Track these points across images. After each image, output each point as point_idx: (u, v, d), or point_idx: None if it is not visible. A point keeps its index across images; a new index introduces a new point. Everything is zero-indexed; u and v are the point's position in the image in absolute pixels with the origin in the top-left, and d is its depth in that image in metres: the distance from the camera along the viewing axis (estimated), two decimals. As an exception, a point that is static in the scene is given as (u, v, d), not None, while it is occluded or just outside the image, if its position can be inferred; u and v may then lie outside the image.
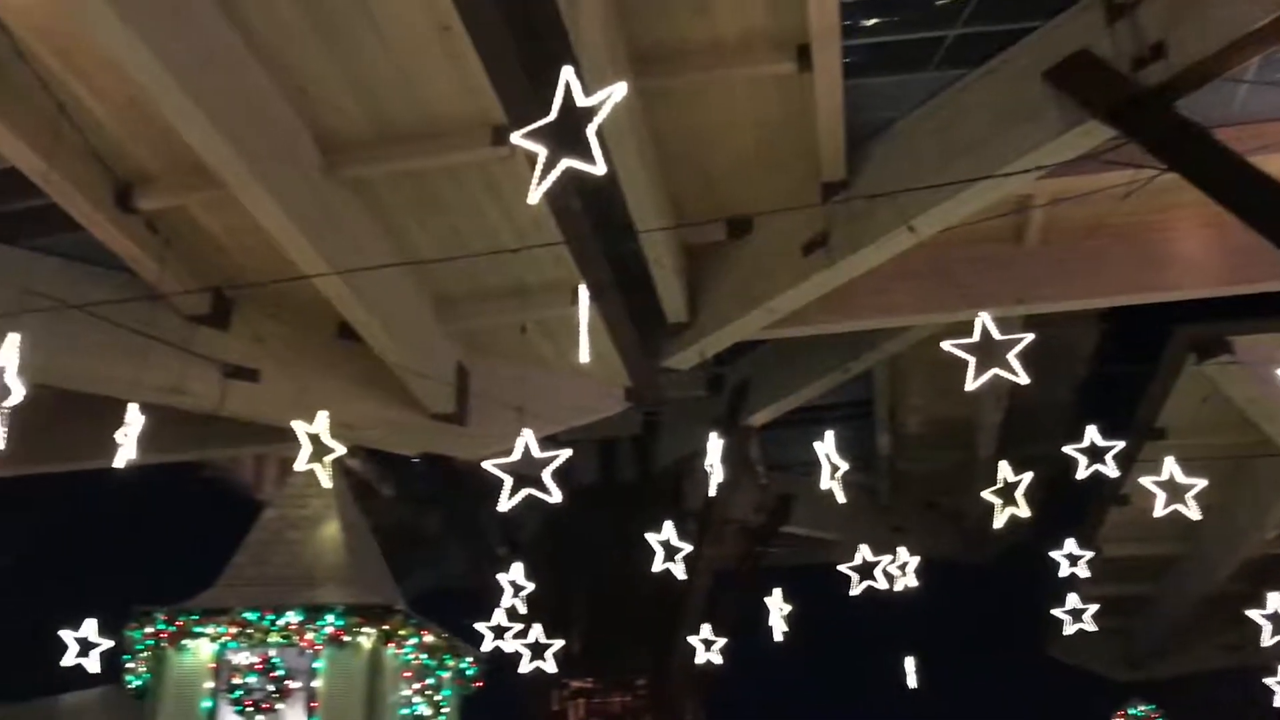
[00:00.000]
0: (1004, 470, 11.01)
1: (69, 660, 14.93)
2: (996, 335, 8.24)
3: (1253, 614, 12.82)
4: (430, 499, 21.44)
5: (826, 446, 11.03)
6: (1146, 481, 10.19)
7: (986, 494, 11.06)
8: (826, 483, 11.03)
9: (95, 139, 11.05)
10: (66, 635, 14.86)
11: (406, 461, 19.09)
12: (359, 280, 11.12)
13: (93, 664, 14.93)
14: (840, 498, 11.31)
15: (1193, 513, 10.04)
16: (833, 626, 19.47)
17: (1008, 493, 10.91)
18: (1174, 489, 10.21)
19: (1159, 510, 10.17)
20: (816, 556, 22.26)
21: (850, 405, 21.13)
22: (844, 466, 11.17)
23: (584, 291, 8.28)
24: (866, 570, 12.81)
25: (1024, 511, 10.79)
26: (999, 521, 11.09)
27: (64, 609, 13.37)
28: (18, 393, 8.33)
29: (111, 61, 9.21)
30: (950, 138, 12.15)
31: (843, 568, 12.54)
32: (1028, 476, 10.85)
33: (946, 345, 8.28)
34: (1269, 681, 14.32)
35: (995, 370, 8.29)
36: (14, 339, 8.26)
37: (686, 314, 14.97)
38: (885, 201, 11.02)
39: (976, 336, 8.26)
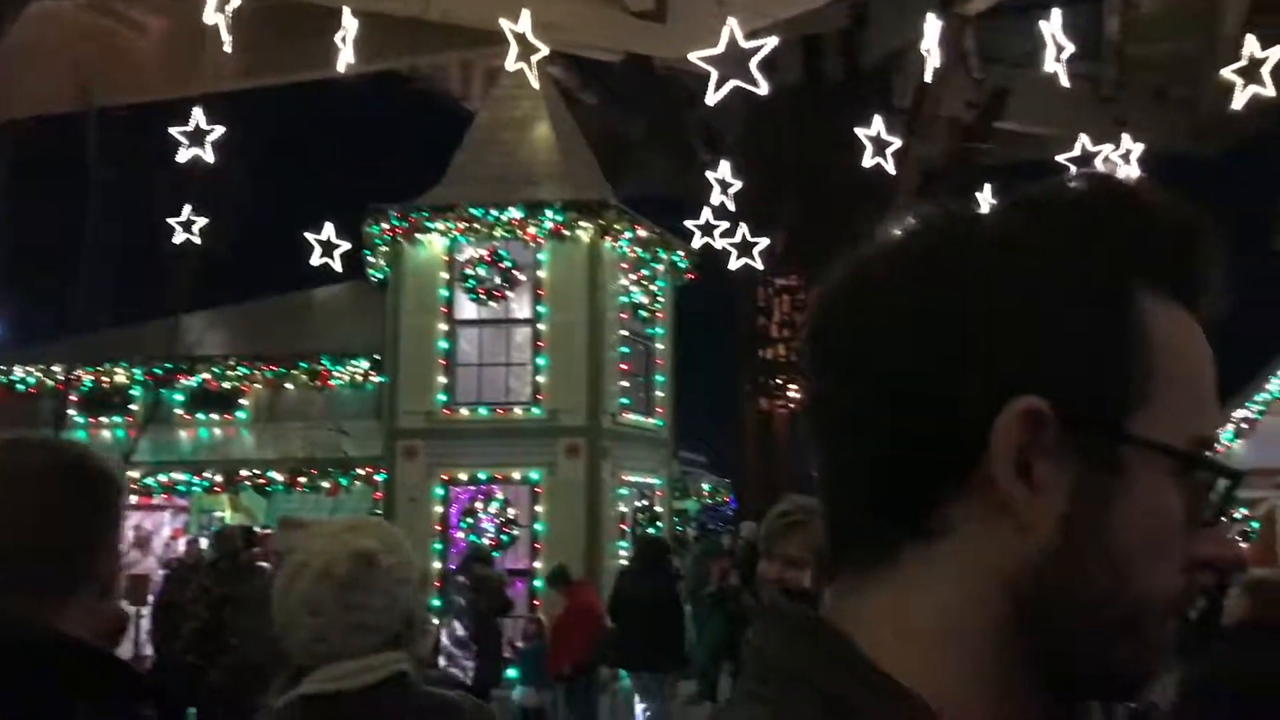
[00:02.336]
0: (1250, 45, 10.17)
1: (315, 260, 16.40)
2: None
3: None
4: (632, 106, 21.49)
5: (1051, 25, 10.43)
6: None
7: (1226, 72, 10.31)
8: (1050, 65, 10.52)
9: None
10: (310, 237, 16.25)
11: (608, 69, 19.04)
12: None
13: (336, 263, 16.37)
14: (1064, 81, 10.80)
15: None
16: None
17: (1252, 71, 10.14)
18: None
19: None
20: (1032, 153, 21.50)
21: (1078, -12, 19.47)
22: (1070, 47, 10.59)
23: None
24: (1085, 161, 12.37)
25: (1269, 90, 10.05)
26: (1239, 102, 10.39)
27: (305, 213, 14.49)
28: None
29: None
30: None
31: (1060, 158, 12.16)
32: (1275, 52, 10.00)
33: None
34: None
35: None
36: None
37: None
38: None
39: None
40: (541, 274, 13.73)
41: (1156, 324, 0.76)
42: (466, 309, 13.96)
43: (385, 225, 14.04)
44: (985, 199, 12.89)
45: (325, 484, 14.61)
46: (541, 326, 13.63)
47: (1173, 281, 0.78)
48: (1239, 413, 18.98)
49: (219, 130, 10.77)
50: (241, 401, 16.15)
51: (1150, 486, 0.73)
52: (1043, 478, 0.72)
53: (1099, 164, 12.68)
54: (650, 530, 13.74)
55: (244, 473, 14.98)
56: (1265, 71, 9.94)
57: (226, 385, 15.97)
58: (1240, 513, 17.49)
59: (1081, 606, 0.73)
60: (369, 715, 2.06)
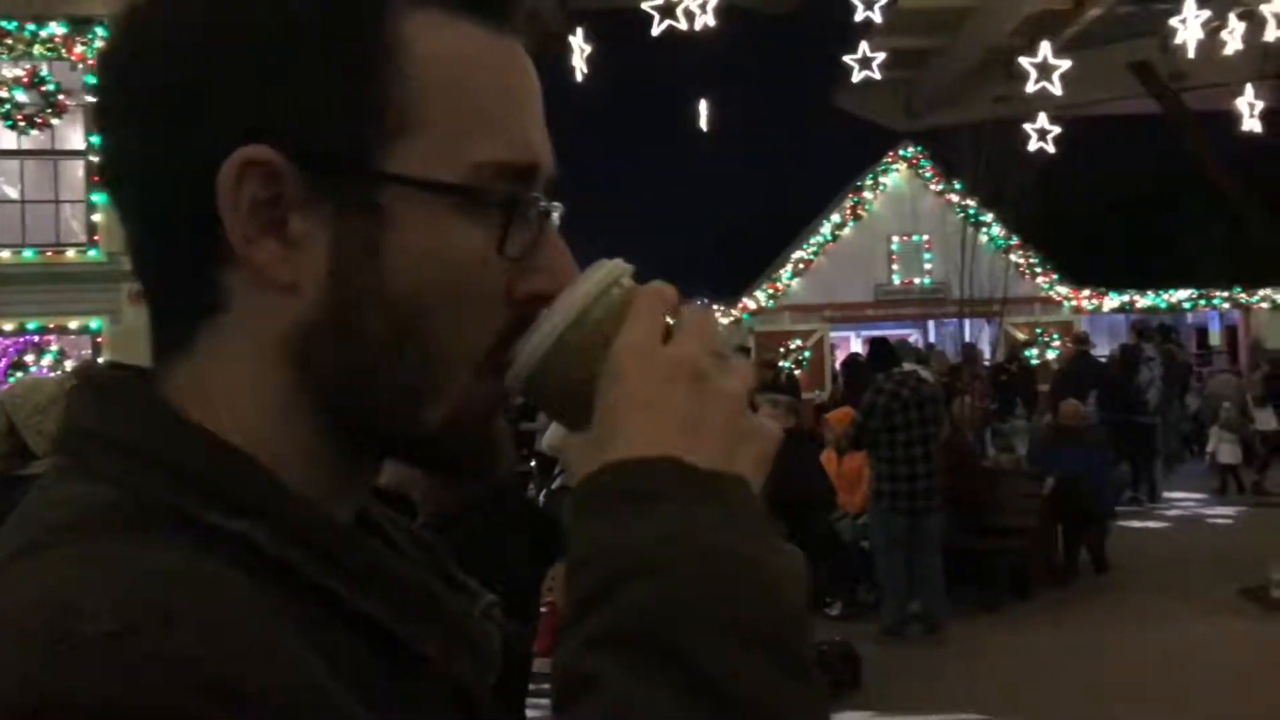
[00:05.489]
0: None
1: None
2: None
3: (1023, 61, 13.58)
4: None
5: None
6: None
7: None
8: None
9: None
10: None
11: None
12: None
13: None
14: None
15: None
16: (633, 70, 19.69)
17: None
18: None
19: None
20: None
21: None
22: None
23: None
24: (669, 10, 12.70)
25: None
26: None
27: None
28: None
29: None
30: None
31: (645, 5, 12.37)
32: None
33: None
34: (1027, 126, 15.53)
35: None
36: None
37: None
38: None
39: None
40: (92, 99, 12.31)
41: (421, 43, 0.67)
42: (5, 138, 12.35)
43: (-106, 37, 11.99)
44: (577, 42, 12.98)
45: None
46: (96, 159, 12.29)
47: None
48: (797, 254, 20.85)
49: None
50: None
51: (423, 227, 0.66)
52: (297, 233, 0.65)
53: (679, 14, 13.06)
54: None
55: None
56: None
57: None
58: (795, 343, 19.42)
59: (362, 364, 0.67)
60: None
